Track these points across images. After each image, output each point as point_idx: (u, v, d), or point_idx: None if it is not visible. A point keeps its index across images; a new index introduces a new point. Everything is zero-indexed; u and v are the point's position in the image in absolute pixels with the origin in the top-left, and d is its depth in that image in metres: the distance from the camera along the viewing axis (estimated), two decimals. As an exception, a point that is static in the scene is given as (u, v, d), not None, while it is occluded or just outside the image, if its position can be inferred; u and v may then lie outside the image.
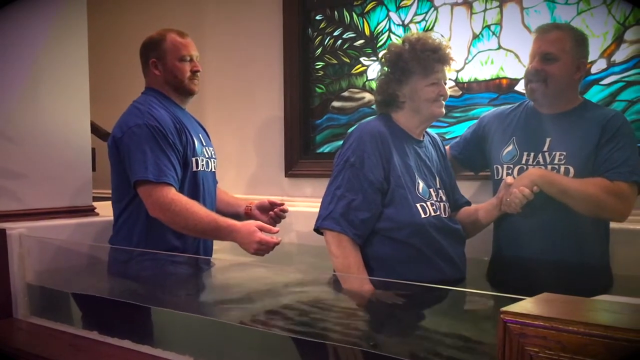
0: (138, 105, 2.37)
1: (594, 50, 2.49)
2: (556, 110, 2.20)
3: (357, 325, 1.81)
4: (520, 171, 2.16)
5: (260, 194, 3.22)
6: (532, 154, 2.18)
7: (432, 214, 2.08)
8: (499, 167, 2.25)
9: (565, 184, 2.04)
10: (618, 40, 2.46)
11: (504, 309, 0.98)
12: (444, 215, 2.13)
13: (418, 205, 2.05)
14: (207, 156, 2.49)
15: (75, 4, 2.77)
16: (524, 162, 2.19)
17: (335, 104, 3.30)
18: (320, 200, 2.12)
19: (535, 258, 2.13)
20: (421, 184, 2.10)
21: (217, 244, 2.55)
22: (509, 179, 2.05)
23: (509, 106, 2.39)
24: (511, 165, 2.21)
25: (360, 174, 2.02)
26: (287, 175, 3.39)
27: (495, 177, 2.27)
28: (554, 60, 2.12)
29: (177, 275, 2.35)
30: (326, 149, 3.34)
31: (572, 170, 2.09)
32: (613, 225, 2.19)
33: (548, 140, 2.17)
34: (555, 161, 2.12)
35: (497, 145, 2.28)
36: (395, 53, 2.14)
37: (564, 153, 2.12)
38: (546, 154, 2.16)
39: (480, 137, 2.39)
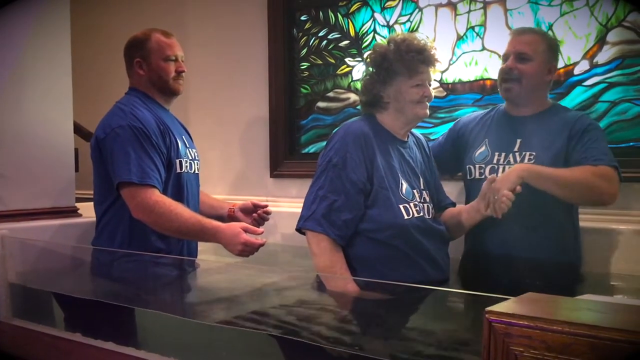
0: (121, 106, 2.35)
1: (577, 51, 2.52)
2: (527, 113, 2.26)
3: (341, 325, 1.80)
4: (491, 171, 2.22)
5: (245, 195, 3.21)
6: (503, 154, 2.24)
7: (416, 215, 2.08)
8: (471, 167, 2.31)
9: (552, 173, 2.06)
10: (600, 41, 2.48)
11: (489, 308, 0.98)
12: (427, 217, 2.13)
13: (401, 206, 2.05)
14: (190, 158, 2.47)
15: (58, 3, 2.75)
16: (495, 162, 2.25)
17: (321, 104, 3.30)
18: (305, 200, 2.12)
19: (508, 254, 2.18)
20: (405, 185, 2.10)
21: (201, 245, 2.54)
22: (492, 177, 2.05)
23: (483, 111, 2.47)
24: (483, 165, 2.27)
25: (342, 174, 2.02)
26: (272, 175, 3.38)
27: (468, 177, 2.32)
28: (528, 60, 2.20)
29: (162, 277, 2.33)
30: (311, 149, 3.34)
31: None
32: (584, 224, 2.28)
33: (518, 141, 2.23)
34: (525, 161, 2.18)
35: (471, 147, 2.35)
36: (380, 53, 2.14)
37: (534, 153, 2.18)
38: (516, 154, 2.22)
39: (455, 141, 2.45)
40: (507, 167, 2.18)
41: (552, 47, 2.26)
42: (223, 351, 1.85)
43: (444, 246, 2.19)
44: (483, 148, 2.30)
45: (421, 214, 2.10)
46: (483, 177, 2.22)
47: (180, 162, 2.39)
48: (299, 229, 2.08)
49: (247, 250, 2.14)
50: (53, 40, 2.72)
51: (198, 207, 2.52)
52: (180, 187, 2.38)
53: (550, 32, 2.54)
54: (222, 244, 2.18)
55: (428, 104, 2.15)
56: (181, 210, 2.21)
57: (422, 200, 2.14)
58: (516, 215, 2.06)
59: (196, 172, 2.52)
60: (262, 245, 2.15)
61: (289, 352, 1.70)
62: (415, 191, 2.13)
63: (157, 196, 2.21)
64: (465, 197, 2.36)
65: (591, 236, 2.31)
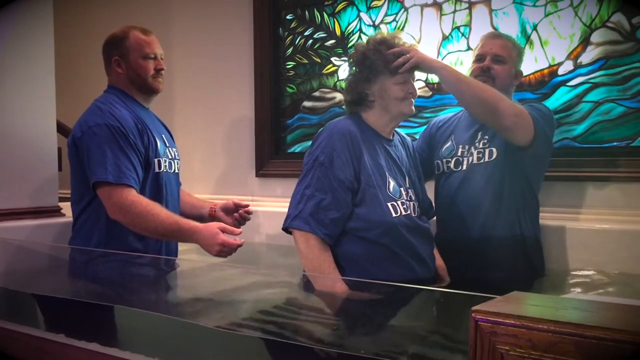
0: (99, 104, 2.33)
1: (561, 51, 2.54)
2: None
3: (329, 325, 1.80)
4: (456, 163, 2.34)
5: (230, 195, 3.20)
6: (466, 147, 2.35)
7: (403, 213, 2.08)
8: (439, 162, 2.42)
9: (448, 66, 2.23)
10: (584, 42, 2.50)
11: (475, 307, 0.98)
12: (414, 215, 2.13)
13: (389, 204, 2.06)
14: (170, 157, 2.44)
15: (41, 1, 2.72)
16: (459, 154, 2.35)
17: (306, 103, 3.29)
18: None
19: (477, 237, 2.25)
20: (392, 183, 2.10)
21: (185, 245, 2.52)
22: None
23: (453, 113, 2.56)
24: (450, 159, 2.37)
25: (329, 173, 2.02)
26: (257, 175, 3.37)
27: (436, 172, 2.43)
28: (503, 62, 2.32)
29: (144, 277, 2.31)
30: (297, 148, 3.33)
31: (495, 151, 2.25)
32: (547, 222, 2.37)
33: (480, 134, 2.33)
34: (480, 146, 2.30)
35: (439, 145, 2.46)
36: (361, 52, 2.16)
37: (486, 137, 2.29)
38: (477, 143, 2.33)
39: (429, 142, 2.53)
40: (470, 158, 2.30)
41: (520, 55, 2.40)
42: (209, 352, 1.84)
43: (430, 244, 2.20)
44: (449, 143, 2.41)
45: (408, 212, 2.11)
46: (449, 170, 2.36)
47: (159, 162, 2.36)
48: (285, 228, 2.07)
49: (225, 250, 2.12)
50: (36, 39, 2.70)
51: (178, 206, 2.49)
52: (159, 186, 2.36)
53: (535, 33, 2.57)
54: (200, 245, 2.16)
55: (413, 101, 2.15)
56: (158, 210, 2.19)
57: (408, 199, 2.15)
58: (481, 204, 2.23)
59: (176, 171, 2.50)
60: (240, 245, 2.13)
61: (276, 353, 1.70)
62: (402, 189, 2.14)
63: (133, 196, 2.18)
64: (433, 191, 2.44)
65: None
